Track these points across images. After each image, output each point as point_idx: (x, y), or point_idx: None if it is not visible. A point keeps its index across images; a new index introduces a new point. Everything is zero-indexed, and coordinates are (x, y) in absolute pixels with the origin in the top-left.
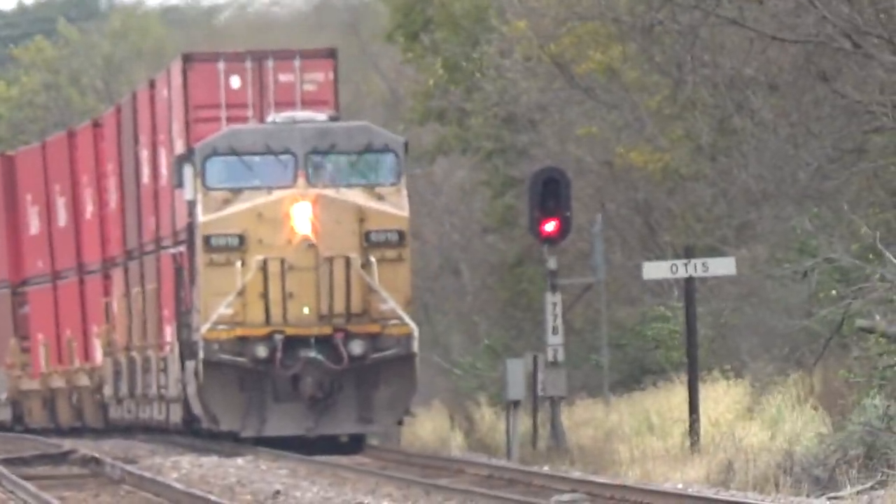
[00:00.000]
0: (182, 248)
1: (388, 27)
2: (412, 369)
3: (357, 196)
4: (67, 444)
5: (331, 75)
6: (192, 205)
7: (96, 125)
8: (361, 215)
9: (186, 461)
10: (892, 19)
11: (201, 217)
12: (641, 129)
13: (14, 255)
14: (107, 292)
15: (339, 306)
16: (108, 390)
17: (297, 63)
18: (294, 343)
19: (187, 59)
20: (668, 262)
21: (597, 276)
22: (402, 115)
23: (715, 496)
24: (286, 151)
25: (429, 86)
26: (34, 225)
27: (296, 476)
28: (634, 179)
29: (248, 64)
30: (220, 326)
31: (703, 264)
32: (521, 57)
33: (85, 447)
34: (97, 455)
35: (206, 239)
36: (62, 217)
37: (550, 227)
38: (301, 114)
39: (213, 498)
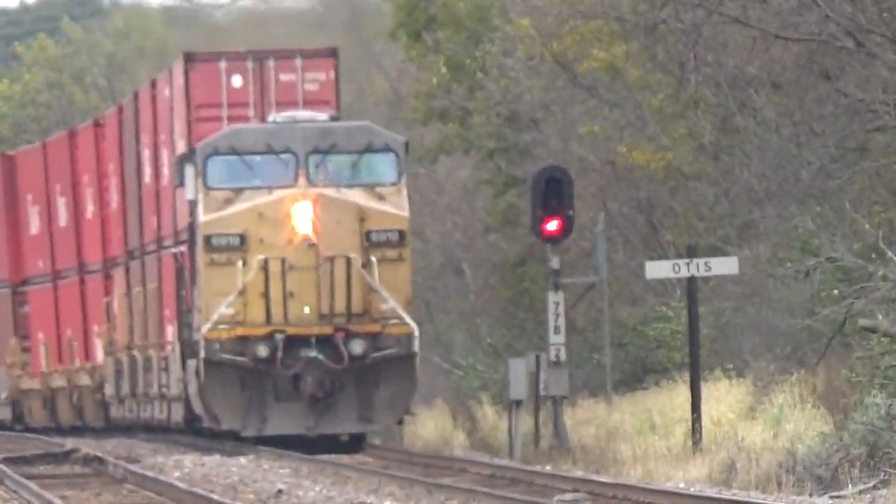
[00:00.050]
0: (183, 248)
1: (390, 26)
2: (412, 369)
3: (358, 196)
4: (69, 443)
5: (332, 75)
6: (193, 204)
7: (97, 125)
8: (362, 215)
9: (189, 460)
10: (895, 18)
11: (202, 217)
12: (644, 127)
13: (14, 254)
14: (108, 292)
15: (340, 306)
16: (109, 389)
17: (298, 62)
18: (295, 342)
19: (189, 58)
20: (671, 261)
21: (599, 275)
22: (405, 114)
23: (717, 496)
24: (287, 151)
25: (431, 85)
26: (35, 225)
27: (298, 475)
28: (637, 178)
29: (250, 63)
30: (221, 326)
31: (706, 264)
32: (524, 56)
33: (87, 446)
34: (100, 454)
35: (207, 238)
36: (63, 217)
37: (553, 226)
38: (302, 113)
39: (215, 497)
